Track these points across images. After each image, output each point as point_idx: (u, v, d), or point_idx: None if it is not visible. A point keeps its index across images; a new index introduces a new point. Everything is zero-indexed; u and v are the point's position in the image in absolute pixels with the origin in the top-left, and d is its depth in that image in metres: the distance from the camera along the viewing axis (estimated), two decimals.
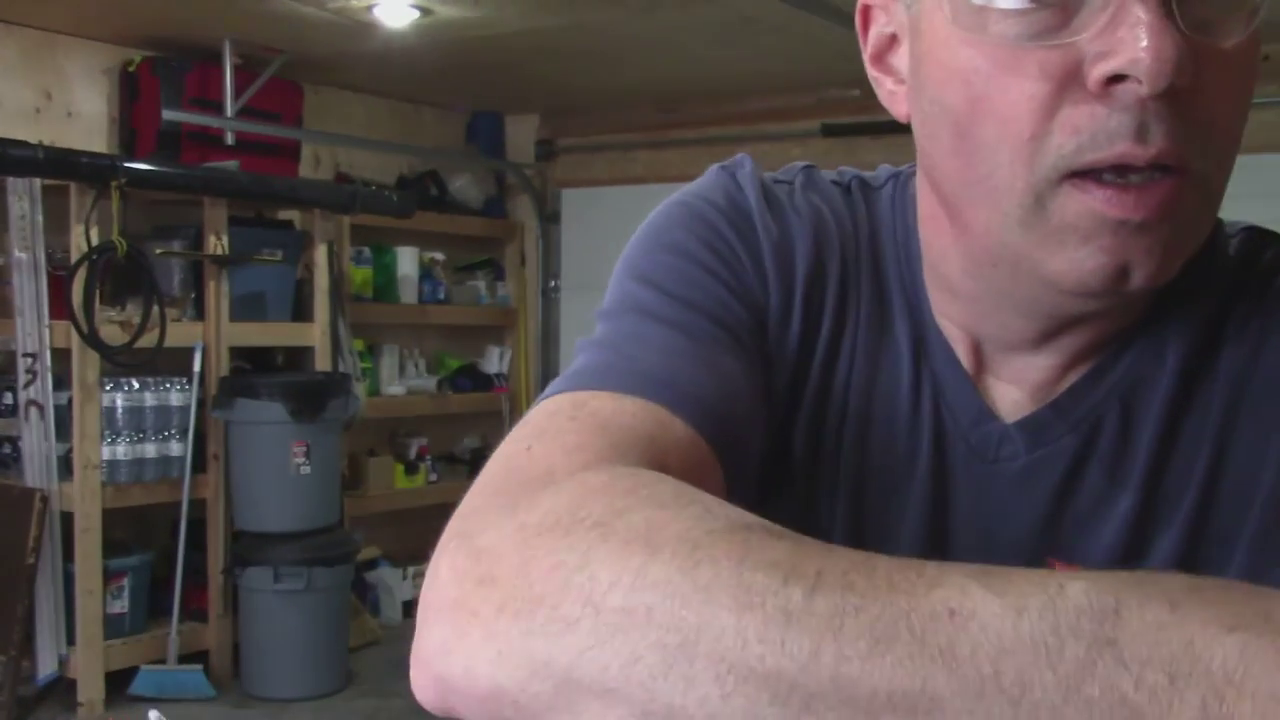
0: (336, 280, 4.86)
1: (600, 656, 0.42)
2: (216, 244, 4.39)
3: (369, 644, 4.80)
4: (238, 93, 4.62)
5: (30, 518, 3.91)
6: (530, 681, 0.43)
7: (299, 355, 4.84)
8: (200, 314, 4.42)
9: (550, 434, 0.58)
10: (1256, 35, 0.62)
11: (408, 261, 5.51)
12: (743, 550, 0.43)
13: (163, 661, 4.29)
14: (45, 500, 3.97)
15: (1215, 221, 0.67)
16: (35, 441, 4.06)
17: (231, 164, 4.48)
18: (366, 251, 5.30)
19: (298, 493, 4.26)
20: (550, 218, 6.16)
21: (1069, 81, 0.59)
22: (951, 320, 0.73)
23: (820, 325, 0.73)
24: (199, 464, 4.37)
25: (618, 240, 0.82)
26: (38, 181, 4.01)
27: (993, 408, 0.72)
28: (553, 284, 6.19)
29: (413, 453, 5.53)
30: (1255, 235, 0.74)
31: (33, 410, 4.06)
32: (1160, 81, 0.57)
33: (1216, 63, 0.60)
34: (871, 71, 0.71)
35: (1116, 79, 0.58)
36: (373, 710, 4.17)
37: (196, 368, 4.33)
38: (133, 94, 4.55)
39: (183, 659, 4.32)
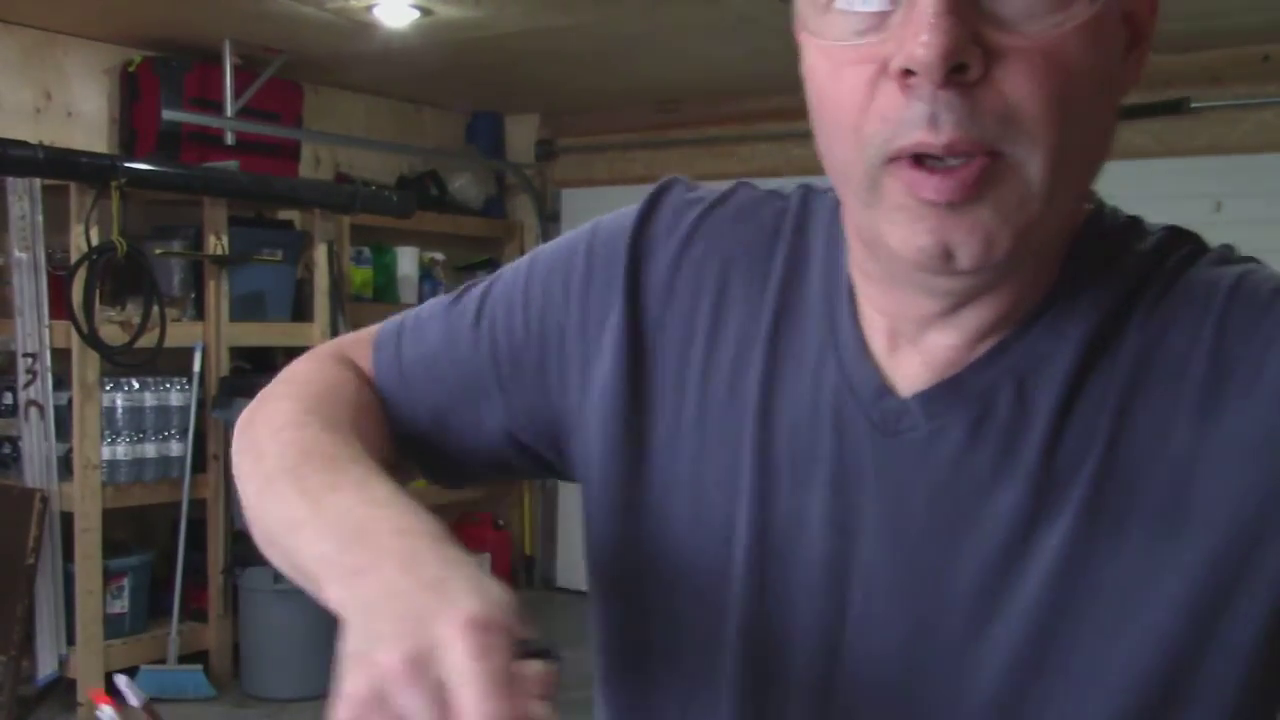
0: (336, 280, 4.87)
1: (243, 477, 0.82)
2: (216, 244, 4.40)
3: None
4: (237, 93, 4.62)
5: (30, 518, 3.91)
6: (242, 474, 0.83)
7: (299, 355, 4.82)
8: (200, 314, 4.42)
9: (325, 349, 0.99)
10: (1102, 24, 0.64)
11: (408, 261, 5.51)
12: (282, 443, 0.79)
13: (163, 661, 4.29)
14: (45, 500, 3.97)
15: (1064, 205, 0.68)
16: (35, 441, 4.07)
17: (231, 164, 4.48)
18: (366, 251, 5.30)
19: None
20: (550, 218, 6.16)
21: (880, 74, 0.65)
22: (869, 301, 0.76)
23: (695, 326, 0.81)
24: (199, 464, 4.38)
25: None
26: (38, 181, 4.01)
27: (894, 384, 0.74)
28: None
29: None
30: (1174, 234, 0.76)
31: (33, 410, 4.06)
32: (934, 74, 0.61)
33: (1023, 53, 0.63)
34: None
35: (911, 71, 0.62)
36: None
37: (196, 368, 4.33)
38: (133, 94, 4.55)
39: (183, 659, 4.33)
